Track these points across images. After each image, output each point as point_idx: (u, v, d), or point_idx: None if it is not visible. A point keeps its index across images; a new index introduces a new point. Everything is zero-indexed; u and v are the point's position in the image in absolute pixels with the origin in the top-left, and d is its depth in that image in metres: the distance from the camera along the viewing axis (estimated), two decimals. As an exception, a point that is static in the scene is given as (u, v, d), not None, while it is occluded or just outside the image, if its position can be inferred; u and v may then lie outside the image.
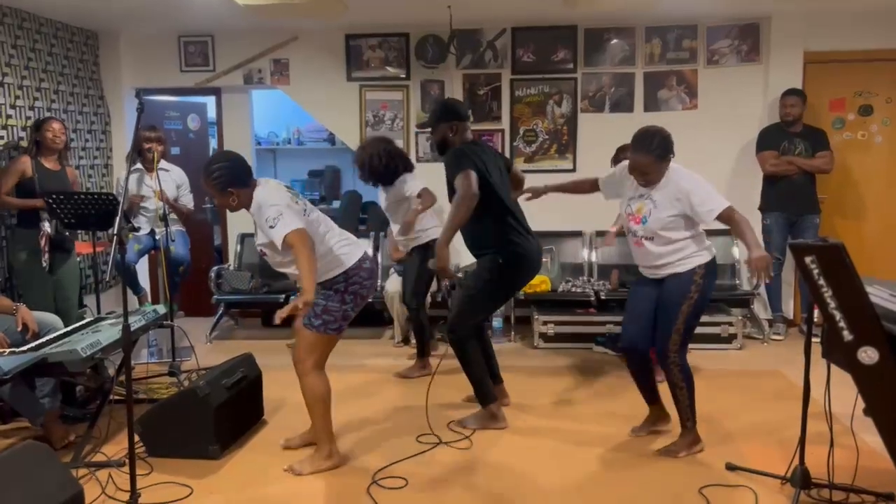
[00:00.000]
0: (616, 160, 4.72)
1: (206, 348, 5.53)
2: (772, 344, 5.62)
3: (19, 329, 3.65)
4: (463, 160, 3.70)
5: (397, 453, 3.57)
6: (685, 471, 3.35)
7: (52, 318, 3.89)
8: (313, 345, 3.32)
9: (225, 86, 6.40)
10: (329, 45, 6.20)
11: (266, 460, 3.54)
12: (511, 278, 3.89)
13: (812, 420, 2.90)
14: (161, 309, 4.08)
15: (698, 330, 5.31)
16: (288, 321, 3.09)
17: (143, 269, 5.98)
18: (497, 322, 5.70)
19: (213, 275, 5.95)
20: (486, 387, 3.93)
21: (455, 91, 6.14)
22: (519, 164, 5.72)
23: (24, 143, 4.97)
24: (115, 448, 3.60)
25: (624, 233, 3.64)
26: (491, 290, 3.89)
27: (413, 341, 5.29)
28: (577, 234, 6.07)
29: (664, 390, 3.59)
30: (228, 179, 3.20)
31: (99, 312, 4.65)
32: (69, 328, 3.74)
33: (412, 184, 4.86)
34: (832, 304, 2.53)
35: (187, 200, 5.43)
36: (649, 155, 3.27)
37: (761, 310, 5.93)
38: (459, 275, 4.05)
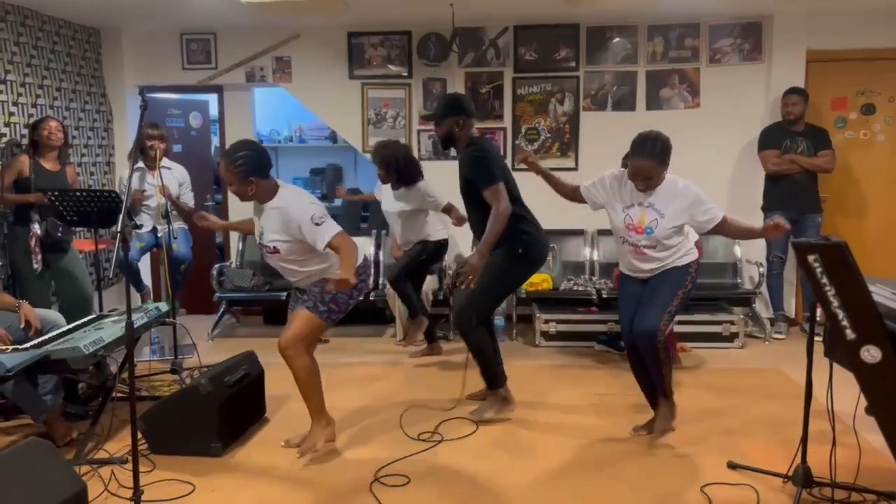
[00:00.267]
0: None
1: (208, 346, 5.53)
2: (773, 343, 5.62)
3: (22, 326, 3.66)
4: (492, 169, 3.77)
5: (400, 450, 3.57)
6: (687, 469, 3.35)
7: (54, 316, 3.90)
8: (313, 329, 3.43)
9: (227, 83, 6.40)
10: (331, 42, 6.20)
11: (268, 458, 3.54)
12: (523, 270, 3.99)
13: (814, 419, 2.90)
14: (163, 306, 4.08)
15: (700, 328, 5.42)
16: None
17: (145, 267, 5.99)
18: (499, 320, 5.70)
19: (214, 272, 5.96)
20: (495, 370, 4.01)
21: (457, 89, 6.13)
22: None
23: (26, 142, 4.97)
24: (118, 445, 3.60)
25: None
26: (505, 281, 3.97)
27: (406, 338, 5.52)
28: (578, 233, 6.07)
29: None
30: (251, 168, 3.24)
31: (101, 310, 4.65)
32: (71, 325, 3.75)
33: (433, 193, 5.03)
34: (835, 303, 2.53)
35: (188, 198, 5.44)
36: (652, 159, 3.28)
37: (763, 308, 5.92)
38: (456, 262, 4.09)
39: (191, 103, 6.83)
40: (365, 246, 5.11)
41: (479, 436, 3.81)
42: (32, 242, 4.60)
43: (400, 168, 4.97)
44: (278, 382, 4.18)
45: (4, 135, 4.98)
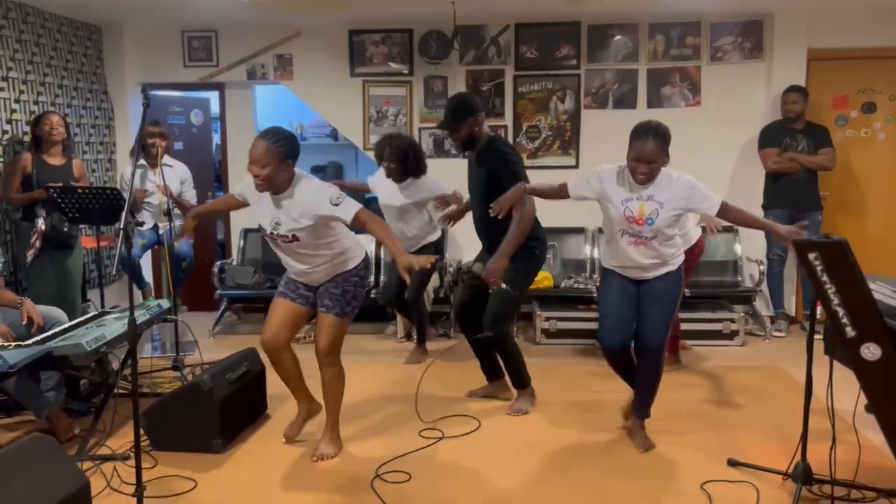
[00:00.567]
0: None
1: (210, 343, 5.54)
2: (774, 340, 5.63)
3: (24, 323, 3.67)
4: (519, 170, 3.79)
5: (401, 447, 3.58)
6: (687, 466, 3.36)
7: (56, 312, 3.91)
8: (343, 332, 3.46)
9: (228, 81, 6.40)
10: (332, 40, 6.21)
11: (270, 454, 3.56)
12: (537, 269, 4.04)
13: (814, 416, 2.91)
14: (165, 303, 4.09)
15: (700, 326, 5.43)
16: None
17: (146, 264, 6.00)
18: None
19: (216, 270, 5.96)
20: (525, 371, 4.13)
21: (458, 87, 6.14)
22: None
23: (28, 139, 4.98)
24: (120, 441, 3.61)
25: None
26: (527, 282, 4.03)
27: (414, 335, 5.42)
28: (579, 231, 6.08)
29: None
30: (290, 151, 3.26)
31: (103, 307, 4.66)
32: (74, 322, 3.76)
33: (440, 183, 5.00)
34: (835, 301, 2.54)
35: (190, 196, 5.44)
36: (656, 143, 3.23)
37: (763, 306, 5.93)
38: (475, 268, 4.01)
39: (192, 101, 6.83)
40: (366, 243, 5.07)
41: (480, 433, 3.82)
42: (34, 237, 4.61)
43: (411, 159, 4.90)
44: (279, 380, 4.19)
45: (7, 132, 4.99)
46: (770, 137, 5.67)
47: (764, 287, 5.83)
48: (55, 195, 4.47)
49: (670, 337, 4.79)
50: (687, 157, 5.77)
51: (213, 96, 6.80)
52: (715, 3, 5.67)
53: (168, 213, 5.06)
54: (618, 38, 6.08)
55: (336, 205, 3.21)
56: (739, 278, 5.96)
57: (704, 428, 3.84)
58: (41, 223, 4.61)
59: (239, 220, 6.41)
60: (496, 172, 3.79)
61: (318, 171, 7.73)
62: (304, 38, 6.22)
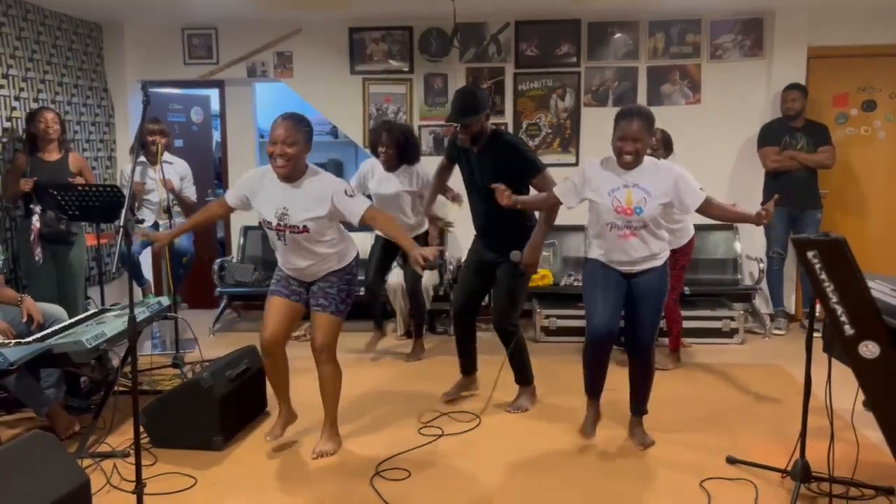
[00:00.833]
0: None
1: (210, 340, 5.55)
2: (773, 338, 5.63)
3: (24, 320, 3.67)
4: (535, 156, 3.84)
5: (400, 445, 3.59)
6: (686, 464, 3.36)
7: (56, 310, 3.92)
8: (338, 329, 3.46)
9: (228, 78, 6.40)
10: (332, 38, 6.21)
11: (269, 452, 3.56)
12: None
13: (813, 414, 2.91)
14: (165, 301, 4.10)
15: (700, 324, 5.43)
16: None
17: (146, 262, 6.01)
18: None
19: (216, 267, 5.97)
20: (530, 368, 4.18)
21: (458, 85, 6.13)
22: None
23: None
24: (120, 439, 3.62)
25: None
26: (529, 278, 4.03)
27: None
28: (579, 229, 6.07)
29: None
30: (310, 136, 3.33)
31: (103, 304, 4.67)
32: (74, 319, 3.76)
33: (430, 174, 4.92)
34: (834, 299, 2.54)
35: (190, 193, 5.44)
36: (640, 121, 3.24)
37: (763, 304, 5.94)
38: (513, 256, 3.91)
39: (192, 98, 6.83)
40: (366, 241, 5.07)
41: (480, 430, 3.83)
42: (32, 235, 4.62)
43: (409, 145, 4.88)
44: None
45: (7, 129, 4.99)
46: (769, 136, 5.67)
47: (763, 285, 5.84)
48: (55, 192, 4.47)
49: (673, 335, 4.82)
50: (687, 154, 5.78)
51: (213, 94, 6.81)
52: (715, 1, 5.67)
53: (168, 211, 5.07)
54: (618, 35, 6.08)
55: (351, 196, 3.28)
56: (739, 276, 5.96)
57: (703, 426, 3.84)
58: (36, 220, 4.61)
59: (239, 218, 6.40)
60: (512, 163, 3.74)
61: (318, 168, 7.74)
62: (305, 35, 6.22)
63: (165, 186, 5.06)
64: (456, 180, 4.26)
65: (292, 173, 3.27)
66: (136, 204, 5.23)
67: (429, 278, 5.64)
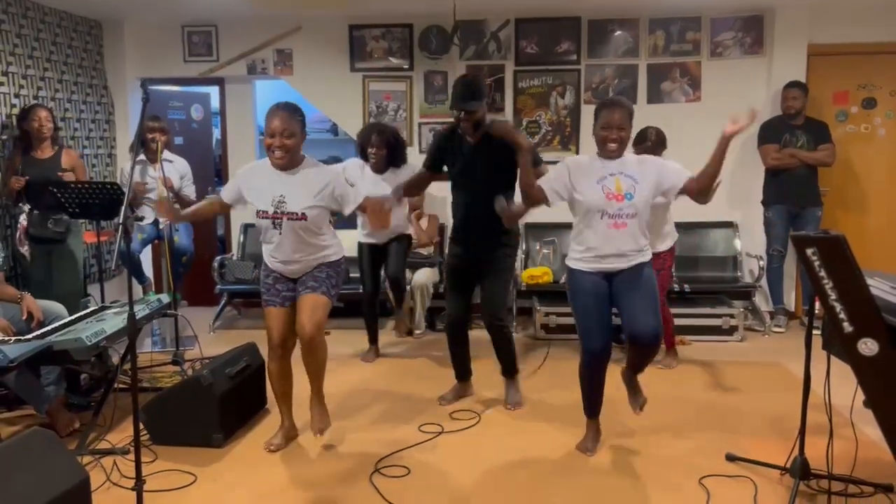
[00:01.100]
0: (636, 142, 4.59)
1: (210, 338, 5.55)
2: (773, 336, 5.63)
3: (24, 317, 3.68)
4: (536, 154, 3.86)
5: (400, 441, 3.59)
6: (685, 461, 3.37)
7: (57, 307, 3.92)
8: (327, 313, 3.44)
9: (228, 76, 6.40)
10: (333, 35, 6.20)
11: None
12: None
13: (812, 411, 2.91)
14: (165, 298, 4.10)
15: (700, 321, 5.43)
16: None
17: (146, 259, 6.00)
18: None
19: (216, 264, 5.97)
20: (516, 358, 4.23)
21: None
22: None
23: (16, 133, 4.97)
24: (120, 436, 3.62)
25: None
26: (513, 272, 4.14)
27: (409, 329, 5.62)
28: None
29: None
30: (304, 125, 3.37)
31: (103, 301, 4.67)
32: (74, 317, 3.76)
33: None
34: (833, 296, 2.54)
35: (190, 192, 5.42)
36: (621, 110, 3.28)
37: (763, 302, 5.94)
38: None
39: (192, 96, 6.83)
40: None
41: (480, 428, 3.83)
42: (18, 233, 4.65)
43: (398, 146, 4.89)
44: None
45: (6, 126, 4.99)
46: (769, 134, 5.66)
47: (763, 282, 5.84)
48: (55, 191, 4.47)
49: (667, 334, 4.82)
50: (687, 152, 5.75)
51: (213, 91, 6.81)
52: (715, -1, 5.67)
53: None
54: (618, 33, 6.07)
55: (352, 185, 3.36)
56: (739, 274, 5.96)
57: (703, 423, 3.85)
58: (23, 219, 4.63)
59: (239, 216, 6.40)
60: (511, 156, 3.65)
61: (318, 166, 7.74)
62: (305, 33, 6.21)
63: (165, 185, 5.05)
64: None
65: (290, 163, 3.31)
66: (136, 201, 5.22)
67: (429, 276, 5.64)
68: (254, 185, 3.39)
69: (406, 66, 6.21)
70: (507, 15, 6.07)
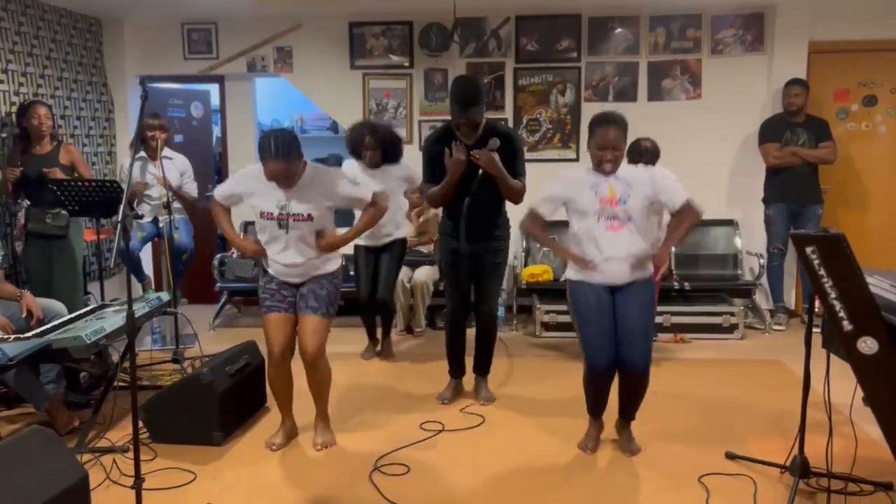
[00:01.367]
0: (630, 154, 4.58)
1: (210, 336, 5.55)
2: (773, 334, 5.63)
3: (24, 316, 3.67)
4: (524, 163, 3.92)
5: (400, 440, 3.59)
6: (685, 459, 3.37)
7: (56, 305, 3.91)
8: (327, 332, 3.47)
9: (228, 73, 6.40)
10: (332, 33, 6.19)
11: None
12: None
13: (812, 410, 2.91)
14: (165, 296, 4.10)
15: (700, 319, 5.43)
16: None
17: (146, 257, 6.00)
18: (499, 311, 5.70)
19: (216, 262, 5.97)
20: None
21: (458, 80, 6.13)
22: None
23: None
24: (120, 434, 3.62)
25: None
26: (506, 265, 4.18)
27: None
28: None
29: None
30: (299, 147, 3.30)
31: (103, 299, 4.67)
32: (73, 315, 3.76)
33: (412, 168, 4.89)
34: (832, 295, 2.54)
35: (191, 188, 5.43)
36: (616, 129, 3.28)
37: (763, 300, 5.94)
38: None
39: (192, 93, 6.82)
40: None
41: (480, 426, 3.83)
42: (16, 230, 4.65)
43: (393, 143, 4.85)
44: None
45: (6, 124, 4.99)
46: (770, 132, 5.66)
47: (764, 281, 5.84)
48: (54, 188, 4.47)
49: None
50: (687, 150, 5.79)
51: (213, 89, 6.80)
52: (716, -4, 5.67)
53: (168, 206, 5.06)
54: (618, 30, 6.06)
55: (356, 184, 3.38)
56: (739, 272, 5.96)
57: (702, 421, 3.85)
58: (21, 216, 4.63)
59: (239, 213, 6.37)
60: (505, 153, 3.74)
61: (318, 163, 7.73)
62: (305, 30, 6.21)
63: (164, 185, 5.03)
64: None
65: (295, 179, 3.34)
66: (136, 199, 5.22)
67: (428, 274, 5.64)
68: (256, 189, 3.38)
69: (406, 64, 6.20)
70: (508, 12, 6.06)
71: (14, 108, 5.03)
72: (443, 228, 4.12)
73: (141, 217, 5.24)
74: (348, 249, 4.31)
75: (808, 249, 2.53)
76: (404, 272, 5.47)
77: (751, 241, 5.97)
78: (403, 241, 5.07)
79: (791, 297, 6.05)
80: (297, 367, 3.60)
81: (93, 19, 6.06)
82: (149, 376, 4.51)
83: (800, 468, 2.94)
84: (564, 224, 3.52)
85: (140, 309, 3.67)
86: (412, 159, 5.02)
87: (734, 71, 6.00)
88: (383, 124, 5.07)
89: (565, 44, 6.10)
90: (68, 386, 3.99)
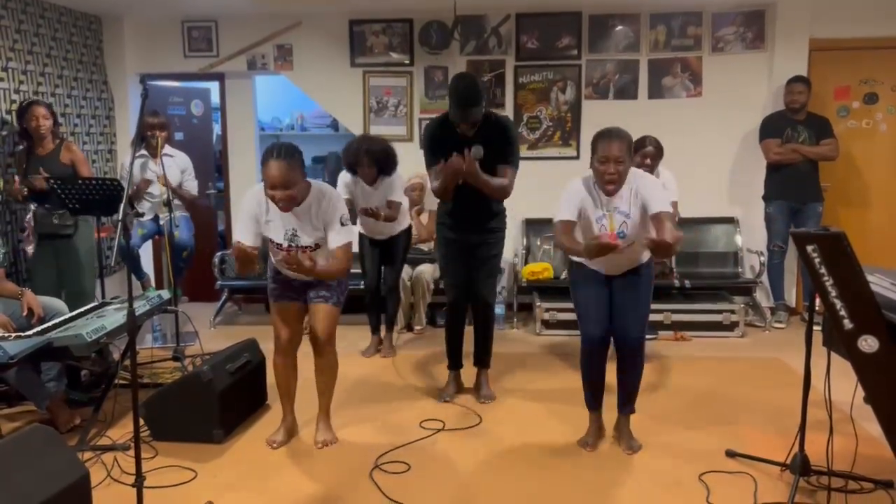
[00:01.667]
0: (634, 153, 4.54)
1: (210, 333, 5.55)
2: (773, 332, 5.63)
3: (24, 314, 3.68)
4: (518, 154, 3.90)
5: (400, 438, 3.59)
6: (685, 457, 3.37)
7: (57, 303, 3.92)
8: (337, 320, 3.49)
9: (228, 71, 6.39)
10: (333, 30, 6.19)
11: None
12: None
13: (812, 408, 2.91)
14: (165, 294, 4.10)
15: (700, 317, 5.44)
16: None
17: (146, 255, 6.01)
18: (499, 309, 5.71)
19: (216, 260, 5.97)
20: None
21: (459, 78, 6.12)
22: (522, 152, 5.66)
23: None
24: (120, 432, 3.63)
25: None
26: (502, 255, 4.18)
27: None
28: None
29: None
30: (303, 162, 3.28)
31: (103, 297, 4.67)
32: (74, 313, 3.76)
33: (402, 180, 5.02)
34: (833, 293, 2.54)
35: (191, 186, 5.42)
36: (622, 139, 3.21)
37: (763, 297, 5.94)
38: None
39: (192, 91, 6.82)
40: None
41: (480, 423, 3.83)
42: (26, 231, 4.64)
43: (388, 158, 4.84)
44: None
45: (7, 122, 4.98)
46: (771, 128, 5.65)
47: (764, 278, 5.84)
48: (55, 186, 4.47)
49: None
50: (688, 148, 5.79)
51: (213, 86, 6.79)
52: (716, -7, 5.66)
53: (168, 204, 5.06)
54: (619, 28, 6.06)
55: (343, 225, 3.33)
56: (740, 269, 5.96)
57: (703, 419, 3.85)
58: (29, 216, 4.62)
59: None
60: (499, 143, 3.75)
61: (318, 161, 7.74)
62: (305, 28, 6.20)
63: (164, 184, 5.03)
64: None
65: (299, 199, 3.29)
66: (137, 196, 5.21)
67: (429, 272, 5.65)
68: (265, 216, 3.36)
69: (406, 62, 6.19)
70: (508, 10, 6.05)
71: (14, 107, 5.03)
72: (440, 219, 4.12)
73: (141, 215, 5.24)
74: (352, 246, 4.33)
75: (809, 248, 2.53)
76: (405, 270, 5.48)
77: (751, 238, 5.97)
78: (408, 229, 5.11)
79: (791, 295, 6.05)
80: (302, 364, 3.61)
81: (93, 17, 6.06)
82: (149, 374, 4.52)
83: (800, 466, 2.94)
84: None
85: (140, 307, 3.67)
86: (412, 159, 5.02)
87: (735, 69, 6.00)
88: (379, 142, 4.92)
89: (566, 41, 6.09)
90: (69, 384, 3.99)
